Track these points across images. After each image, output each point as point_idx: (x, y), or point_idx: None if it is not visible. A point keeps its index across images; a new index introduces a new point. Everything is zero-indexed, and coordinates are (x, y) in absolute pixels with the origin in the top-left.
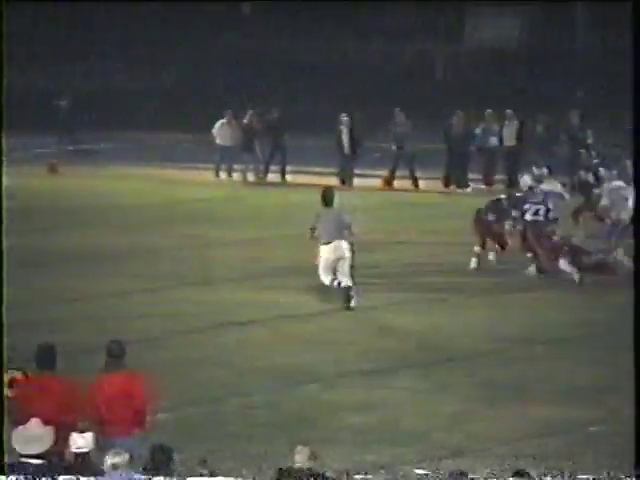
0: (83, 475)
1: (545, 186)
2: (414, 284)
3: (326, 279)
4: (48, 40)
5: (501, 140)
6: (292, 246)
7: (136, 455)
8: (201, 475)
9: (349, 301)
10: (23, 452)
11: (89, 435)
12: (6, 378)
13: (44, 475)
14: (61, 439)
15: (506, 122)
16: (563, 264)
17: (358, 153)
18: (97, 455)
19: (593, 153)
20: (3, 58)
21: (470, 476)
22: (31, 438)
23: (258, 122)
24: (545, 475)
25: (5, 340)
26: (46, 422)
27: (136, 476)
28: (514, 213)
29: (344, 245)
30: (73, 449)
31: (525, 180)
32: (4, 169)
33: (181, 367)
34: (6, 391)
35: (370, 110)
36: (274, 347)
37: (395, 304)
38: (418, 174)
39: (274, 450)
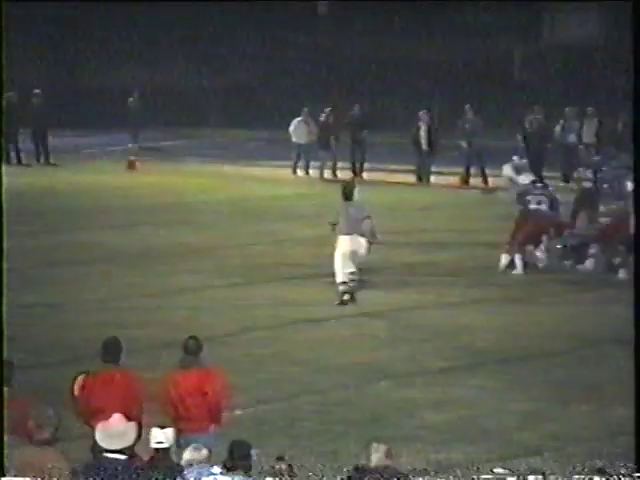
0: (161, 470)
1: (523, 178)
2: (485, 282)
3: (340, 275)
4: (115, 40)
5: (580, 137)
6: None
7: (213, 452)
8: (279, 471)
9: (350, 295)
10: (107, 447)
11: (170, 430)
12: (78, 383)
13: (127, 471)
14: None
15: (586, 120)
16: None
17: (436, 150)
18: (174, 451)
19: (592, 150)
20: (3, 58)
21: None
22: (115, 434)
23: (335, 120)
24: (623, 475)
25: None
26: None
27: (213, 469)
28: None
29: (362, 241)
30: (153, 444)
31: (506, 169)
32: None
33: (255, 364)
34: (76, 391)
35: (447, 108)
36: (348, 344)
37: (467, 302)
38: (495, 172)
39: (349, 447)
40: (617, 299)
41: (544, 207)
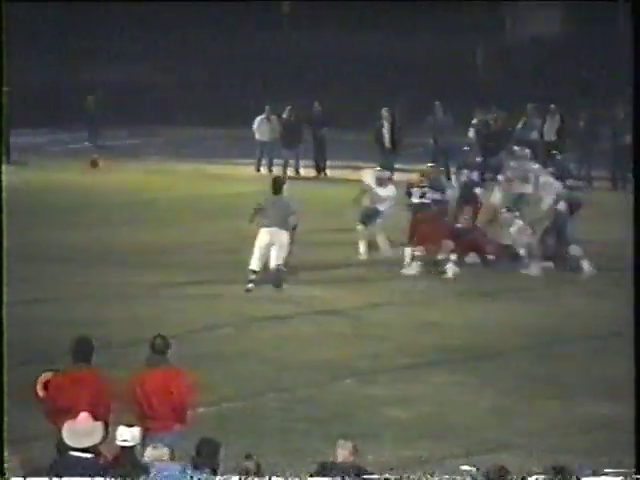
0: (126, 469)
1: (383, 190)
2: (453, 279)
3: (256, 263)
4: (77, 38)
5: (542, 135)
6: (332, 240)
7: (179, 450)
8: (247, 469)
9: (279, 284)
10: (74, 446)
11: (136, 429)
12: (40, 381)
13: (93, 469)
14: None
15: (548, 117)
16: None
17: (399, 148)
18: (139, 450)
19: (476, 152)
20: (3, 57)
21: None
22: (81, 432)
23: (297, 117)
24: (587, 470)
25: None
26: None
27: (174, 466)
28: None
29: (284, 234)
30: (119, 442)
31: (366, 178)
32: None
33: (220, 362)
34: (40, 392)
35: (410, 105)
36: (313, 342)
37: (433, 298)
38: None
39: (314, 445)
40: (581, 294)
41: (428, 200)
